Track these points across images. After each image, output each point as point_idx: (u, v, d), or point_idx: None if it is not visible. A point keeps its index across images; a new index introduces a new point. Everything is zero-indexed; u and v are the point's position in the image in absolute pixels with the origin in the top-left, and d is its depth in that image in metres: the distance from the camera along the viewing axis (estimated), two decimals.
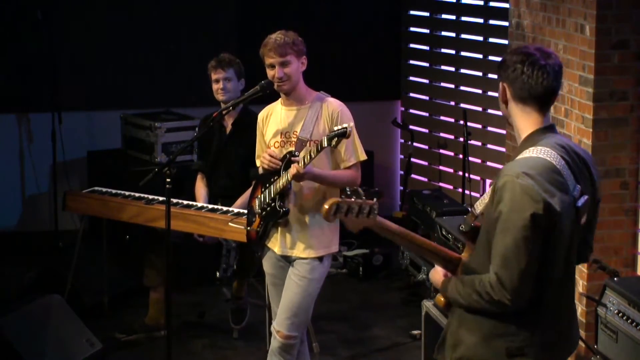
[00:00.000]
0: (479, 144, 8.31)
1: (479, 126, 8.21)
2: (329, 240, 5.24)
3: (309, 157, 4.96)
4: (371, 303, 7.44)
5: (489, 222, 3.55)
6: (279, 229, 5.23)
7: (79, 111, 8.65)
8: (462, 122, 7.79)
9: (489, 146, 8.28)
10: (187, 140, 7.73)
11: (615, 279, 5.22)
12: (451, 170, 8.72)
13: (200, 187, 6.68)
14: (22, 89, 8.58)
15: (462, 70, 8.59)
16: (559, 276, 3.58)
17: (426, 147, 8.95)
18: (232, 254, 6.50)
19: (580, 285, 6.05)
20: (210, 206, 6.41)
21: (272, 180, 5.21)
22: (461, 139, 7.97)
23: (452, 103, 8.70)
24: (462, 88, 8.58)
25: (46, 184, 8.68)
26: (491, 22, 8.24)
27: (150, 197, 6.52)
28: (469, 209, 3.71)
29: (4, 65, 8.51)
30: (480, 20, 8.37)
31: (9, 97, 8.57)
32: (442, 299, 3.74)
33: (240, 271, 6.63)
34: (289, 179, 5.05)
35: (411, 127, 8.71)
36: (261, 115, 5.37)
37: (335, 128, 4.88)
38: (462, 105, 8.40)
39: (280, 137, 5.23)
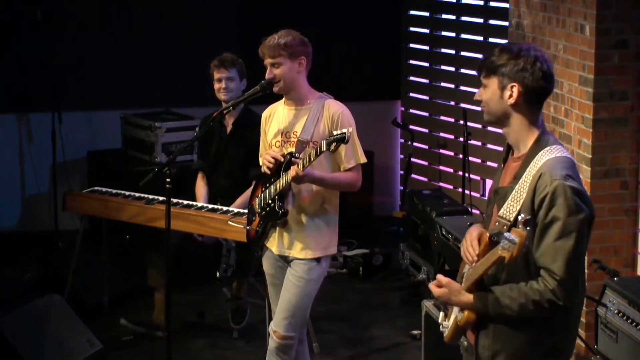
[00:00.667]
0: (479, 144, 8.31)
1: (479, 126, 8.20)
2: (327, 242, 5.23)
3: (308, 160, 4.96)
4: (371, 303, 7.44)
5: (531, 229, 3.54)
6: (278, 229, 5.23)
7: (79, 111, 8.65)
8: (462, 122, 7.79)
9: (489, 146, 8.28)
10: (187, 140, 7.73)
11: (615, 279, 5.23)
12: (451, 170, 8.72)
13: (201, 187, 6.68)
14: (22, 89, 8.58)
15: (462, 70, 8.59)
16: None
17: (426, 147, 8.95)
18: (232, 253, 6.50)
19: None
20: (210, 206, 6.41)
21: (272, 180, 5.21)
22: (461, 139, 7.97)
23: (452, 103, 8.70)
24: (462, 88, 8.58)
25: (46, 184, 8.67)
26: (491, 22, 8.24)
27: (150, 197, 6.52)
28: (499, 218, 3.67)
29: (4, 65, 8.50)
30: (480, 20, 8.37)
31: (9, 97, 8.57)
32: (472, 316, 3.70)
33: (240, 271, 6.62)
34: (289, 180, 5.05)
35: (411, 127, 8.71)
36: (264, 114, 5.37)
37: (335, 133, 4.87)
38: (462, 105, 8.39)
39: (281, 137, 5.23)
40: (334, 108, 5.18)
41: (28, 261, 7.85)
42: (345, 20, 9.07)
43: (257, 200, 5.33)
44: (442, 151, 8.81)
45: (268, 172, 5.17)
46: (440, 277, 3.77)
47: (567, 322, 3.68)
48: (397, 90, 9.20)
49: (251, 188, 5.57)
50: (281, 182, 5.11)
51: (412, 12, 9.09)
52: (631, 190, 6.19)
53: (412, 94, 9.18)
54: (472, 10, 8.48)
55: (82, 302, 6.90)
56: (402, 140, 9.25)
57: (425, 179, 8.96)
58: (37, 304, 6.24)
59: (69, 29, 8.55)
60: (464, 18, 8.58)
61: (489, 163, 8.29)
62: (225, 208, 6.30)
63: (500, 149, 8.54)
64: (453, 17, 8.67)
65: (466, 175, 7.67)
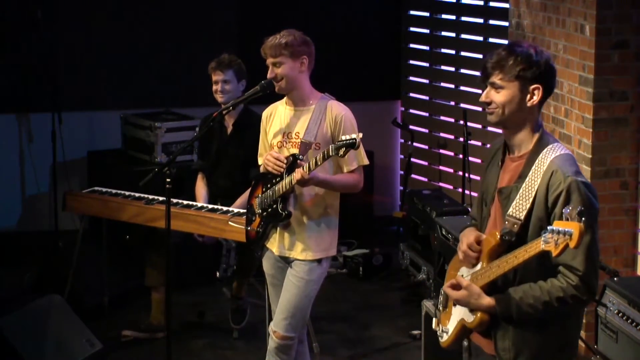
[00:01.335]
0: (479, 144, 8.31)
1: (479, 126, 8.21)
2: (328, 244, 5.23)
3: (314, 163, 4.94)
4: (371, 303, 7.44)
5: (544, 226, 3.55)
6: (279, 230, 5.22)
7: (79, 111, 8.64)
8: (462, 122, 7.79)
9: (489, 146, 8.27)
10: (187, 140, 7.73)
11: (615, 279, 5.23)
12: (451, 170, 8.72)
13: (201, 187, 6.68)
14: (22, 89, 8.58)
15: (462, 70, 8.59)
16: None
17: (426, 147, 8.95)
18: (232, 254, 6.50)
19: None
20: (210, 206, 6.41)
21: (274, 181, 5.19)
22: (461, 139, 7.96)
23: (452, 103, 8.70)
24: (462, 88, 8.58)
25: (46, 184, 8.67)
26: (491, 22, 8.24)
27: (150, 197, 6.52)
28: (508, 217, 3.68)
29: (4, 65, 8.50)
30: (480, 20, 8.37)
31: (9, 97, 8.57)
32: (485, 318, 3.69)
33: (240, 271, 6.62)
34: (293, 183, 5.03)
35: (411, 127, 8.71)
36: (265, 114, 5.35)
37: (344, 138, 4.83)
38: (462, 105, 8.39)
39: (282, 137, 5.22)
40: (337, 110, 5.16)
41: (28, 261, 7.85)
42: (345, 20, 9.06)
43: (257, 201, 5.32)
44: (442, 151, 8.81)
45: (274, 172, 5.16)
46: (460, 279, 3.76)
47: (578, 316, 3.76)
48: (397, 90, 9.20)
49: (250, 187, 5.57)
50: (284, 184, 5.09)
51: (412, 12, 9.09)
52: (631, 190, 6.19)
53: (412, 94, 9.17)
54: (472, 10, 8.48)
55: (82, 302, 6.90)
56: (402, 140, 9.25)
57: (425, 179, 8.96)
58: (37, 304, 6.24)
59: (69, 29, 8.55)
60: (464, 18, 8.58)
61: (483, 162, 8.27)
62: (225, 208, 6.30)
63: None
64: (453, 17, 8.67)
65: (466, 175, 7.67)
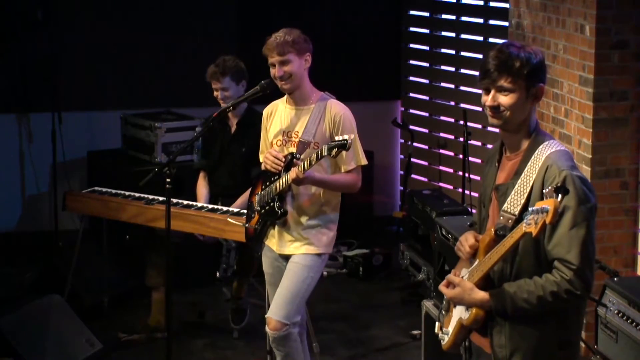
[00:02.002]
0: (479, 144, 8.31)
1: (479, 126, 8.20)
2: (328, 241, 5.25)
3: (308, 163, 4.96)
4: (371, 303, 7.44)
5: None
6: (277, 228, 5.24)
7: (79, 111, 8.64)
8: (462, 122, 7.78)
9: (489, 146, 8.28)
10: (187, 140, 7.73)
11: (615, 279, 5.22)
12: (451, 170, 8.72)
13: (202, 187, 6.69)
14: (22, 89, 8.57)
15: (462, 70, 8.59)
16: None
17: (426, 147, 8.94)
18: (232, 254, 6.50)
19: None
20: (210, 206, 6.41)
21: (272, 179, 5.21)
22: (461, 139, 7.96)
23: (452, 103, 8.70)
24: (462, 88, 8.58)
25: (46, 184, 8.67)
26: (491, 22, 8.24)
27: (150, 197, 6.52)
28: (503, 212, 3.69)
29: (4, 65, 8.50)
30: (480, 20, 8.37)
31: (9, 97, 8.56)
32: (480, 313, 3.69)
33: (241, 271, 6.63)
34: (289, 181, 5.05)
35: (411, 127, 8.71)
36: (266, 112, 5.36)
37: (337, 138, 4.87)
38: (462, 105, 8.39)
39: (282, 136, 5.23)
40: (336, 109, 5.17)
41: (28, 261, 7.85)
42: (345, 20, 9.06)
43: (257, 198, 5.34)
44: (442, 151, 8.81)
45: (272, 170, 5.17)
46: (451, 277, 3.78)
47: (578, 314, 3.74)
48: (397, 90, 9.20)
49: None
50: (281, 182, 5.11)
51: (412, 12, 9.09)
52: (631, 190, 6.19)
53: (412, 94, 9.17)
54: (472, 10, 8.48)
55: (82, 302, 6.90)
56: (402, 140, 9.25)
57: (425, 179, 8.96)
58: (37, 304, 6.25)
59: (69, 29, 8.55)
60: (464, 18, 8.58)
61: (484, 163, 8.27)
62: (225, 208, 6.30)
63: None
64: (453, 17, 8.67)
65: (466, 175, 7.67)
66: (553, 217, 3.40)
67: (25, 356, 5.87)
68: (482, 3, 8.32)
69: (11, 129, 8.65)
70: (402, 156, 9.23)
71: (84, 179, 8.53)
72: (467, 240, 3.80)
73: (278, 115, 5.28)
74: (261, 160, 5.33)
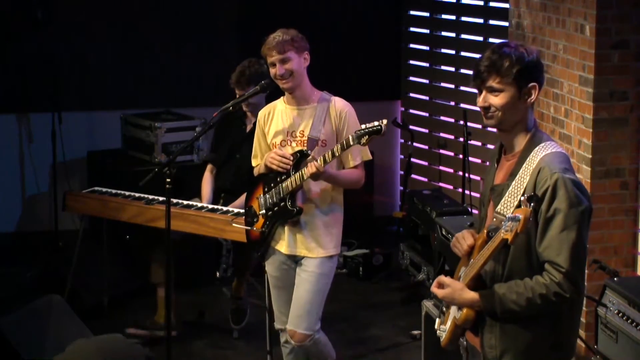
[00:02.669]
0: (479, 144, 8.31)
1: (479, 126, 8.20)
2: (337, 240, 5.27)
3: (331, 155, 4.95)
4: (371, 303, 7.44)
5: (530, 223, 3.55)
6: (286, 228, 5.21)
7: (79, 111, 8.64)
8: (462, 122, 7.79)
9: (489, 146, 8.27)
10: (187, 140, 7.73)
11: (615, 279, 5.23)
12: (451, 170, 8.72)
13: (207, 183, 6.68)
14: (22, 89, 8.58)
15: (462, 70, 8.58)
16: None
17: (426, 147, 8.94)
18: (232, 254, 6.50)
19: None
20: (210, 206, 6.41)
21: (278, 179, 5.19)
22: (461, 139, 7.96)
23: (452, 103, 8.70)
24: (462, 88, 8.58)
25: (46, 184, 8.67)
26: (491, 22, 8.24)
27: (150, 197, 6.52)
28: (496, 214, 3.69)
29: (4, 65, 8.50)
30: (480, 20, 8.37)
31: (9, 97, 8.57)
32: (471, 313, 3.70)
33: (237, 270, 6.63)
34: (305, 178, 5.03)
35: (411, 127, 8.71)
36: (262, 114, 5.35)
37: (364, 126, 4.85)
38: (462, 105, 8.39)
39: (284, 136, 5.22)
40: (340, 106, 5.20)
41: (28, 261, 7.85)
42: (345, 20, 9.06)
43: (258, 202, 5.31)
44: (442, 151, 8.81)
45: (274, 169, 5.15)
46: (441, 277, 3.78)
47: (571, 316, 3.71)
48: (397, 90, 9.20)
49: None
50: (293, 180, 5.09)
51: (412, 12, 9.09)
52: (631, 190, 6.19)
53: (412, 94, 9.17)
54: (472, 10, 8.48)
55: (82, 302, 6.90)
56: (402, 140, 9.25)
57: (425, 179, 8.96)
58: (37, 304, 6.24)
59: (69, 29, 8.55)
60: (464, 18, 8.58)
61: (489, 163, 8.27)
62: (225, 208, 6.30)
63: None
64: (453, 17, 8.67)
65: (466, 175, 7.67)
66: (524, 226, 3.43)
67: (25, 356, 5.87)
68: (482, 3, 8.32)
69: (11, 129, 8.66)
70: (402, 156, 9.23)
71: (84, 179, 8.53)
72: (465, 239, 3.79)
73: (278, 116, 5.27)
74: (254, 164, 5.33)
